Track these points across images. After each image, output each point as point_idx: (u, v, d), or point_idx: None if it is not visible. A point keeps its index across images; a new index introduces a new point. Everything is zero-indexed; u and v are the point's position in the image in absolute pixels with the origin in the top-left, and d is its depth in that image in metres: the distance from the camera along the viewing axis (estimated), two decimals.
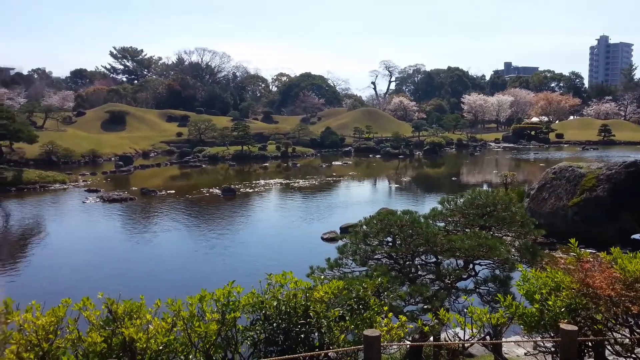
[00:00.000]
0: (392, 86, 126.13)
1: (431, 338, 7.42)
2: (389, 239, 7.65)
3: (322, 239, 19.61)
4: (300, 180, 36.92)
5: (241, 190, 32.03)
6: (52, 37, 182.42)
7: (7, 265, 17.22)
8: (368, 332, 3.90)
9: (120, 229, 22.65)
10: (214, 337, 4.03)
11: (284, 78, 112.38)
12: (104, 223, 23.33)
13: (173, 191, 31.67)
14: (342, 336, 4.51)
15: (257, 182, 36.49)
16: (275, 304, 4.20)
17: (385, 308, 4.76)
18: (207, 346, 4.01)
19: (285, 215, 25.20)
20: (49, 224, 23.77)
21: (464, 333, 5.05)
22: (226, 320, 4.13)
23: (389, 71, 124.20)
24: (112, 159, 49.86)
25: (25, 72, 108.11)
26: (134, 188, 32.23)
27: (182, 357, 4.06)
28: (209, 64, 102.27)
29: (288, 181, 36.89)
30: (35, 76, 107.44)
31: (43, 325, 3.61)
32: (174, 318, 4.05)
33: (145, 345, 3.74)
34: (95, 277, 15.25)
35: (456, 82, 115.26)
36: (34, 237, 21.33)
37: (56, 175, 35.48)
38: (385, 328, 4.68)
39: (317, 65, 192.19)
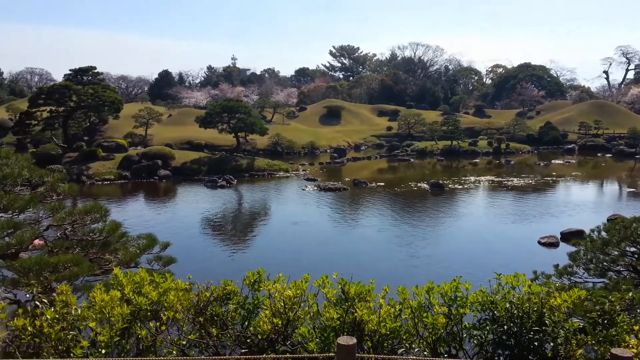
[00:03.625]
0: (630, 75, 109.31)
1: None
2: (633, 249, 6.66)
3: (540, 243, 18.16)
4: (514, 179, 34.64)
5: (449, 185, 31.43)
6: (281, 40, 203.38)
7: (243, 240, 19.85)
8: (617, 351, 3.44)
9: (334, 216, 24.16)
10: (441, 331, 4.01)
11: (500, 69, 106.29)
12: (321, 209, 25.18)
13: (382, 183, 32.63)
14: (579, 350, 4.08)
15: (466, 178, 35.36)
16: (507, 306, 3.99)
17: (636, 327, 4.15)
18: (433, 338, 4.01)
19: (497, 215, 23.92)
20: (275, 207, 26.64)
21: None
22: (452, 315, 4.07)
23: (626, 58, 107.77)
24: (328, 151, 53.48)
25: (258, 72, 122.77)
26: (346, 179, 34.09)
27: (406, 344, 4.13)
28: (422, 58, 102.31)
29: (500, 179, 34.95)
30: (266, 75, 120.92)
31: (289, 296, 4.04)
32: (401, 305, 4.14)
33: (375, 328, 3.91)
34: (308, 257, 16.57)
35: None
36: (262, 217, 24.17)
37: (281, 164, 39.46)
38: (635, 350, 4.08)
39: (539, 54, 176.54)
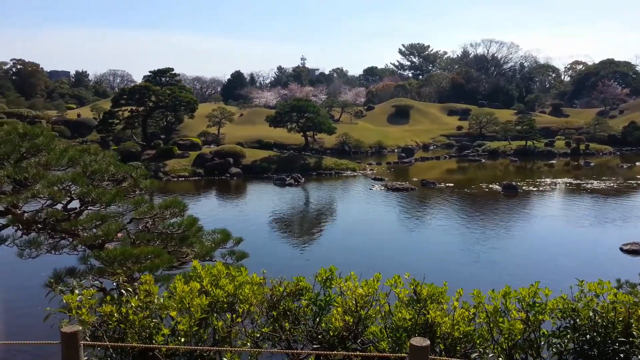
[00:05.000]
0: None
1: None
2: None
3: (622, 250, 17.07)
4: (594, 182, 32.76)
5: (523, 188, 30.20)
6: (350, 40, 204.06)
7: (310, 237, 20.08)
8: None
9: (402, 216, 23.89)
10: (518, 337, 3.88)
11: (580, 66, 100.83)
12: (388, 209, 25.00)
13: (451, 184, 31.88)
14: None
15: (542, 180, 33.85)
16: (590, 314, 3.80)
17: None
18: (509, 344, 3.88)
19: (575, 219, 22.73)
20: (342, 205, 26.73)
21: None
22: (530, 321, 3.92)
23: None
24: (395, 150, 52.94)
25: (326, 72, 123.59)
26: (414, 179, 33.61)
27: (480, 349, 4.03)
28: (495, 55, 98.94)
29: (578, 181, 33.17)
30: (335, 75, 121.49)
31: (361, 295, 4.06)
32: (476, 309, 4.04)
33: (449, 331, 3.84)
34: (375, 255, 16.48)
35: None
36: (329, 215, 24.33)
37: (348, 163, 39.52)
38: None
39: (624, 50, 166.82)
